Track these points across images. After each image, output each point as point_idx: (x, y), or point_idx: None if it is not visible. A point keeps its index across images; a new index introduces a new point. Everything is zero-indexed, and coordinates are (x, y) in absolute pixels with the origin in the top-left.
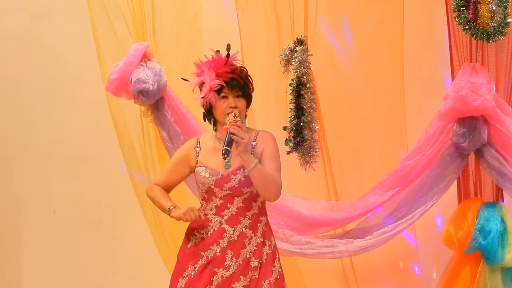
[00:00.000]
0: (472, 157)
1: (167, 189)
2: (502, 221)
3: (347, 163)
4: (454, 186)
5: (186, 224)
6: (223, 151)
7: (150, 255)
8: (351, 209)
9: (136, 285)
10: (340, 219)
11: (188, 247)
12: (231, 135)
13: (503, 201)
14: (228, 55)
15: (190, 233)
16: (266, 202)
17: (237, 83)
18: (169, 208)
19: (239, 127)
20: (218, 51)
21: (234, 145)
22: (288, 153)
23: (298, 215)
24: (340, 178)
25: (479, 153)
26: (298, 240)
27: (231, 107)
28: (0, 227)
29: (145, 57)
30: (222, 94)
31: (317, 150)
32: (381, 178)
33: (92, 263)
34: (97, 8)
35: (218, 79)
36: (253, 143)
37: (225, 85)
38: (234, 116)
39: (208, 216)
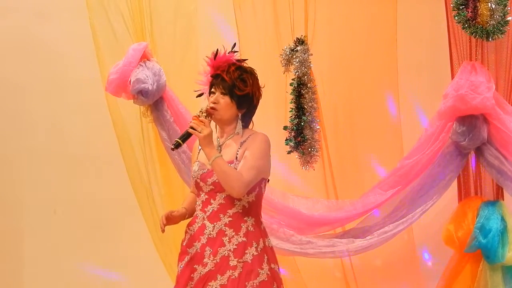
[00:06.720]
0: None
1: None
2: (502, 219)
3: (347, 163)
4: (454, 184)
5: (185, 224)
6: (173, 143)
7: (150, 255)
8: (351, 208)
9: (136, 285)
10: (340, 218)
11: (184, 244)
12: (189, 129)
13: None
14: (220, 52)
15: (185, 230)
16: (267, 202)
17: (221, 80)
18: None
19: (201, 122)
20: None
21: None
22: (289, 152)
23: (299, 215)
24: (340, 178)
25: (479, 151)
26: (299, 239)
27: (211, 102)
28: (1, 227)
29: (144, 57)
30: (212, 89)
31: (317, 149)
32: (380, 178)
33: (92, 263)
34: (96, 9)
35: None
36: (242, 141)
37: (211, 79)
38: (199, 111)
39: (196, 212)
